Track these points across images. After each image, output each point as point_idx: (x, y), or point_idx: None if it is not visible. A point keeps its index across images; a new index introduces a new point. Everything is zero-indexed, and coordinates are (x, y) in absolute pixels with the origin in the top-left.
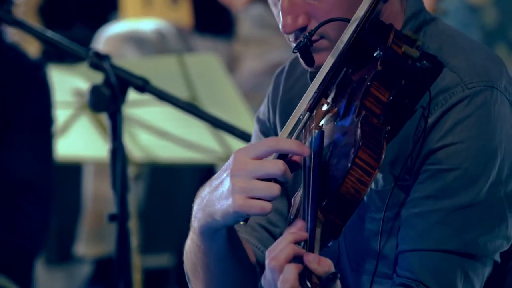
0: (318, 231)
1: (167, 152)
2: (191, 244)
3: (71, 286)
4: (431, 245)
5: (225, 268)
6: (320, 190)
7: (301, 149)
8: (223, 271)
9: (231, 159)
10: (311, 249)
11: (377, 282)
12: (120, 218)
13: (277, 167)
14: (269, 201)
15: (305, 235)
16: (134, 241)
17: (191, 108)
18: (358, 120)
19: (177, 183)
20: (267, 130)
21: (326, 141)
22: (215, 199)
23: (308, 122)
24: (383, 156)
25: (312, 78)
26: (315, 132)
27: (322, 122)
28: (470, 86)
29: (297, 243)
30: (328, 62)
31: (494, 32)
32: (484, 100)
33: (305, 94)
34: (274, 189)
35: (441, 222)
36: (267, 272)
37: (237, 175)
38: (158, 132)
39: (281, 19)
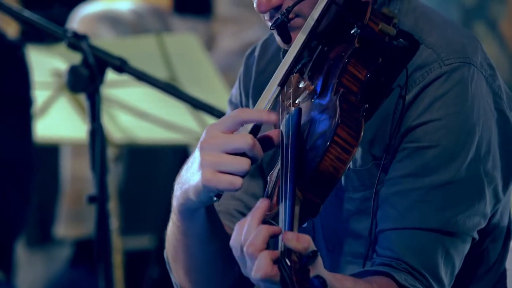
0: (297, 209)
1: (147, 133)
2: (171, 225)
3: (51, 267)
4: (412, 224)
5: (207, 251)
6: (298, 168)
7: (267, 116)
8: (204, 254)
9: (203, 133)
10: (289, 228)
11: (354, 262)
12: (99, 199)
13: (245, 140)
14: (240, 176)
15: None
16: (114, 222)
17: (170, 89)
18: (336, 98)
19: (157, 164)
20: None
21: (303, 119)
22: (189, 175)
23: (285, 100)
24: (362, 134)
25: None
26: (292, 109)
27: (299, 99)
28: (448, 63)
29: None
30: (299, 39)
31: (473, 10)
32: (461, 76)
33: (277, 70)
34: (243, 163)
35: (421, 200)
36: (247, 259)
37: (206, 148)
38: (138, 113)
39: None
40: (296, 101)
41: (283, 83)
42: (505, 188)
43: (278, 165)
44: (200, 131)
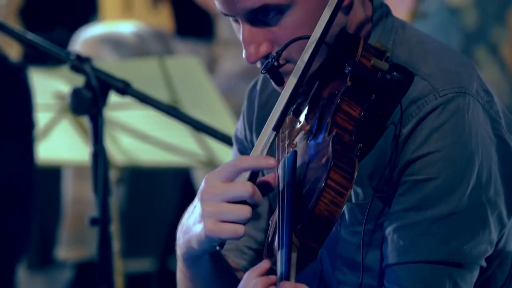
0: (294, 255)
1: (149, 155)
2: (178, 272)
3: None
4: (418, 257)
5: None
6: (294, 213)
7: (266, 162)
8: None
9: (202, 182)
10: (286, 277)
11: None
12: (101, 222)
13: (245, 189)
14: (242, 224)
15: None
16: (116, 245)
17: (172, 111)
18: (329, 139)
19: (159, 187)
20: (245, 150)
21: (299, 160)
22: (190, 224)
23: (282, 141)
24: (356, 175)
25: None
26: (288, 151)
27: (296, 140)
28: (442, 94)
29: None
30: (291, 82)
31: (474, 34)
32: (457, 107)
33: (271, 114)
34: (244, 211)
35: (425, 233)
36: None
37: (206, 199)
38: (140, 135)
39: (244, 49)
40: (293, 142)
41: (277, 127)
42: (510, 213)
43: (276, 210)
44: (202, 153)
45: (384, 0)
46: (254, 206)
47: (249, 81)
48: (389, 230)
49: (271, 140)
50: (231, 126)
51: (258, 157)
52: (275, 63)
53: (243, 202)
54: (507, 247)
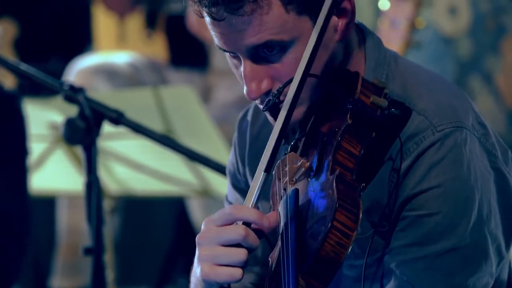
0: None
1: (143, 185)
2: None
3: None
4: None
5: None
6: (298, 254)
7: (260, 220)
8: None
9: (202, 226)
10: None
11: None
12: (95, 251)
13: (237, 232)
14: (239, 267)
15: None
16: (110, 274)
17: (166, 141)
18: (332, 178)
19: (153, 216)
20: (238, 183)
21: (301, 199)
22: (195, 269)
23: (281, 178)
24: (361, 216)
25: None
26: (289, 188)
27: (295, 177)
28: (440, 129)
29: None
30: (280, 120)
31: (469, 64)
32: (455, 141)
33: (263, 155)
34: (239, 254)
35: (428, 268)
36: None
37: (202, 243)
38: (134, 165)
39: (245, 86)
40: (293, 179)
41: (268, 169)
42: (507, 245)
43: (279, 245)
44: (196, 183)
45: (376, 31)
46: (249, 249)
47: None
48: (391, 265)
49: (263, 182)
50: (225, 155)
51: (255, 212)
52: (276, 101)
53: (238, 245)
54: (500, 276)
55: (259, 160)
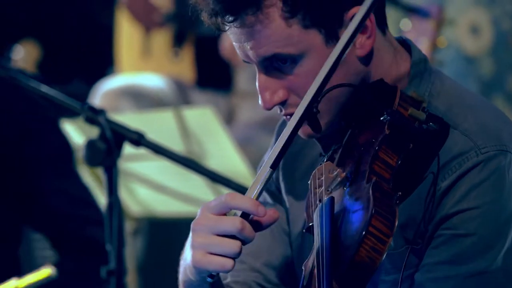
0: None
1: (165, 206)
2: None
3: None
4: None
5: None
6: (333, 260)
7: (256, 208)
8: None
9: (198, 212)
10: None
11: None
12: (117, 273)
13: (233, 224)
14: (231, 258)
15: None
16: None
17: (187, 162)
18: (368, 186)
19: (175, 237)
20: (269, 185)
21: (336, 207)
22: (187, 253)
23: (317, 188)
24: (397, 223)
25: None
26: (325, 197)
27: (331, 187)
28: (484, 151)
29: None
30: (291, 123)
31: (491, 83)
32: (498, 165)
33: (271, 152)
34: (233, 246)
35: (458, 287)
36: None
37: (197, 229)
38: (156, 186)
39: (260, 96)
40: (329, 189)
41: (274, 165)
42: None
43: (313, 254)
44: None
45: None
46: (244, 241)
47: (267, 131)
48: (420, 282)
49: (267, 177)
50: (247, 175)
51: (251, 200)
52: (314, 110)
53: (233, 236)
54: None
55: (294, 166)
